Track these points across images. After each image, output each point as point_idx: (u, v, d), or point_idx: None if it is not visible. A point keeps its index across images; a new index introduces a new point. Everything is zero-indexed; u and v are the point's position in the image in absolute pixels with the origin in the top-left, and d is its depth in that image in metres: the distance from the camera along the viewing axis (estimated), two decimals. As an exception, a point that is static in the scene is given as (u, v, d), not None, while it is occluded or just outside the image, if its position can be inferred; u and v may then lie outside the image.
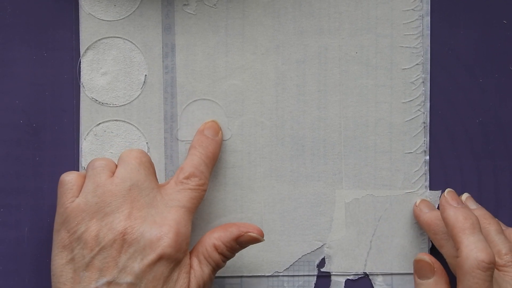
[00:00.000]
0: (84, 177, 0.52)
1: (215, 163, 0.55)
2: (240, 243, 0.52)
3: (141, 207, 0.50)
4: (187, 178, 0.52)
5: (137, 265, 0.49)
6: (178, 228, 0.50)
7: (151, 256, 0.49)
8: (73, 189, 0.51)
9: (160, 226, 0.50)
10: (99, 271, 0.49)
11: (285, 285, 0.57)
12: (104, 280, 0.48)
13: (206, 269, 0.52)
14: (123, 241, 0.49)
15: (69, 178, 0.51)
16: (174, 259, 0.50)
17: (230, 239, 0.52)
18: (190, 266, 0.51)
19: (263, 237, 0.53)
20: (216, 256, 0.52)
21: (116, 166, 0.52)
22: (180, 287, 0.50)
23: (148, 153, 0.57)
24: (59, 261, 0.50)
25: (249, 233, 0.52)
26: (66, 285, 0.49)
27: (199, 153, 0.54)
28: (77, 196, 0.51)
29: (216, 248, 0.52)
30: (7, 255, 0.56)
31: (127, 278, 0.49)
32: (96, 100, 0.56)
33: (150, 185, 0.51)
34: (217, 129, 0.56)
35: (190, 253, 0.52)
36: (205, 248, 0.52)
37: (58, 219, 0.51)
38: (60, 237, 0.50)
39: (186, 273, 0.51)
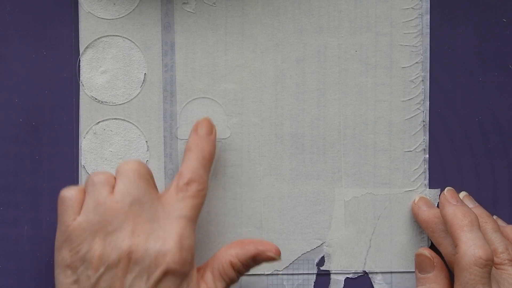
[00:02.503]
0: (84, 192, 0.51)
1: (212, 162, 0.55)
2: (257, 261, 0.52)
3: (143, 222, 0.49)
4: (187, 184, 0.51)
5: (144, 284, 0.48)
6: (182, 242, 0.49)
7: (157, 273, 0.48)
8: (74, 206, 0.50)
9: (164, 242, 0.49)
10: None
11: (284, 283, 0.57)
12: None
13: (220, 285, 0.51)
14: (128, 260, 0.48)
15: (69, 194, 0.50)
16: (180, 274, 0.49)
17: (247, 257, 0.52)
18: (203, 280, 0.51)
19: (280, 256, 0.52)
20: (232, 273, 0.52)
21: (115, 178, 0.51)
22: None
23: (148, 152, 0.57)
24: (64, 280, 0.49)
25: (267, 253, 0.52)
26: None
27: (195, 156, 0.53)
28: (79, 214, 0.50)
29: (232, 265, 0.52)
30: (7, 253, 0.56)
31: None
32: (96, 99, 0.56)
33: (151, 198, 0.50)
34: (211, 127, 0.55)
35: (204, 266, 0.52)
36: (221, 265, 0.52)
37: (59, 237, 0.50)
38: (61, 256, 0.49)
39: (194, 287, 0.50)
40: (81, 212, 0.50)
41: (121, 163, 0.51)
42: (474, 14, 0.57)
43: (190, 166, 0.52)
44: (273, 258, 0.52)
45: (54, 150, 0.56)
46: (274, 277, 0.57)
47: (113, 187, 0.50)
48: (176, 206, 0.51)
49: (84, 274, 0.48)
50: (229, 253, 0.52)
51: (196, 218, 0.51)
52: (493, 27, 0.58)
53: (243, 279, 0.57)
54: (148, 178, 0.51)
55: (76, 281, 0.49)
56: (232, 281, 0.52)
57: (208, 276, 0.51)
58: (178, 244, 0.49)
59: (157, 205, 0.51)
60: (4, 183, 0.56)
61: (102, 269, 0.48)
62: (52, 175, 0.56)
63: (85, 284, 0.48)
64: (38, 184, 0.56)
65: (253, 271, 0.56)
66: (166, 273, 0.49)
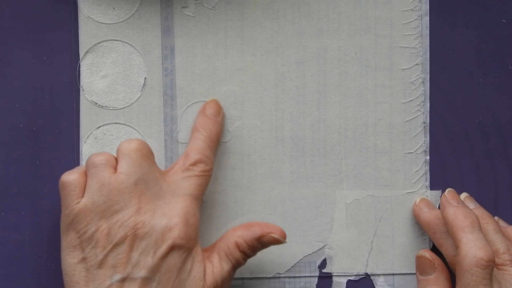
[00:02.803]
0: (85, 175, 0.51)
1: (218, 144, 0.55)
2: (262, 243, 0.53)
3: (149, 200, 0.50)
4: (193, 164, 0.52)
5: (150, 259, 0.49)
6: (187, 218, 0.50)
7: (163, 248, 0.49)
8: (76, 190, 0.50)
9: (170, 218, 0.50)
10: (113, 268, 0.49)
11: (286, 286, 0.57)
12: (118, 276, 0.49)
13: (226, 266, 0.52)
14: (134, 236, 0.49)
15: (71, 178, 0.51)
16: (185, 249, 0.50)
17: (252, 238, 0.52)
18: (209, 261, 0.52)
19: (285, 239, 0.53)
20: (237, 253, 0.52)
21: (116, 159, 0.52)
22: (194, 277, 0.50)
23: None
24: (70, 260, 0.50)
25: (272, 234, 0.52)
26: (80, 284, 0.49)
27: (203, 137, 0.54)
28: (82, 196, 0.50)
29: (238, 246, 0.52)
30: (8, 258, 0.56)
31: (141, 273, 0.49)
32: (96, 103, 0.56)
33: (155, 176, 0.51)
34: (219, 108, 0.56)
35: (211, 248, 0.53)
36: (227, 245, 0.52)
37: (64, 220, 0.50)
38: (69, 238, 0.50)
39: (199, 262, 0.51)
40: (85, 194, 0.50)
41: (122, 142, 0.52)
42: (474, 15, 0.57)
43: (197, 146, 0.53)
44: (278, 240, 0.52)
45: (54, 155, 0.56)
46: (276, 280, 0.57)
47: (114, 168, 0.51)
48: (182, 184, 0.52)
49: (92, 253, 0.49)
50: (235, 234, 0.53)
51: (201, 197, 0.53)
52: (493, 28, 0.58)
53: (245, 282, 0.57)
54: (150, 156, 0.52)
55: (83, 260, 0.49)
56: (238, 262, 0.52)
57: (214, 256, 0.52)
58: (184, 220, 0.50)
59: (161, 183, 0.51)
60: (5, 188, 0.56)
61: (109, 247, 0.49)
62: (53, 180, 0.56)
63: (92, 262, 0.49)
64: (39, 189, 0.56)
65: (255, 274, 0.56)
66: (172, 248, 0.49)
